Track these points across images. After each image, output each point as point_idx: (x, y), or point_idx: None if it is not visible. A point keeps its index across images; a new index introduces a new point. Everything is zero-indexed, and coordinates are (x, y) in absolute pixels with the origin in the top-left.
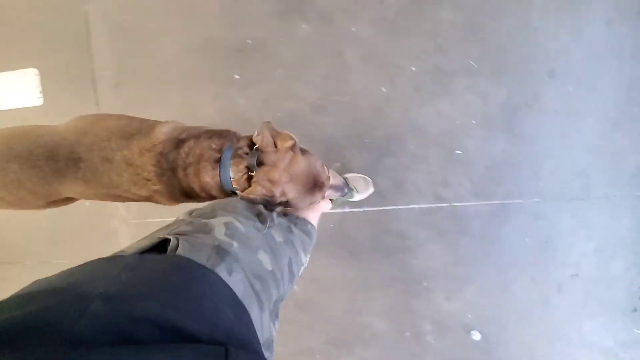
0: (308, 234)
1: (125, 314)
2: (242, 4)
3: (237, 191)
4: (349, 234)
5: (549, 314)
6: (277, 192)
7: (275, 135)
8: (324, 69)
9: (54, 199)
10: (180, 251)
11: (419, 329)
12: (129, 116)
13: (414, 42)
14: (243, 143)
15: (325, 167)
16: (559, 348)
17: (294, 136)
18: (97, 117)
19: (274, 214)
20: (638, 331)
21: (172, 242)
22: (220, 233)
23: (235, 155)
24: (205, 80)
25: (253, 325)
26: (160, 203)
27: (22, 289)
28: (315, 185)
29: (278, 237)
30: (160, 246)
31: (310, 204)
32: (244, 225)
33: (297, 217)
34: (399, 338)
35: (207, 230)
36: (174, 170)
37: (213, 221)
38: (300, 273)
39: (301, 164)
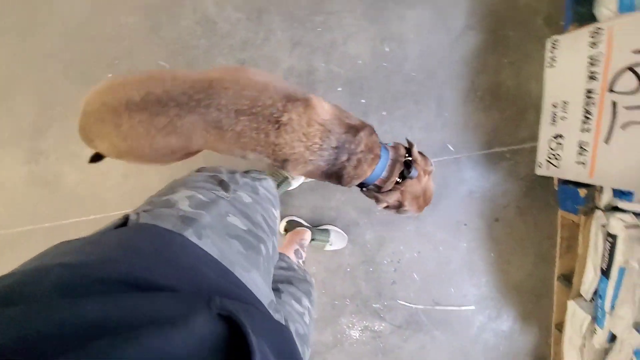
0: (270, 189)
1: (91, 276)
2: None
3: (373, 189)
4: None
5: None
6: (406, 204)
7: (420, 156)
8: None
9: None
10: (142, 221)
11: None
12: (269, 73)
13: (104, 48)
14: (404, 152)
15: None
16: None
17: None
18: (248, 71)
19: (237, 175)
20: (401, 302)
21: (132, 217)
22: (184, 205)
23: (397, 161)
24: None
25: (244, 283)
26: (289, 170)
27: None
28: (423, 207)
29: (246, 199)
30: (122, 227)
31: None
32: (207, 196)
33: (260, 173)
34: None
35: (170, 205)
36: (340, 150)
37: (174, 196)
38: (277, 227)
39: (429, 190)
